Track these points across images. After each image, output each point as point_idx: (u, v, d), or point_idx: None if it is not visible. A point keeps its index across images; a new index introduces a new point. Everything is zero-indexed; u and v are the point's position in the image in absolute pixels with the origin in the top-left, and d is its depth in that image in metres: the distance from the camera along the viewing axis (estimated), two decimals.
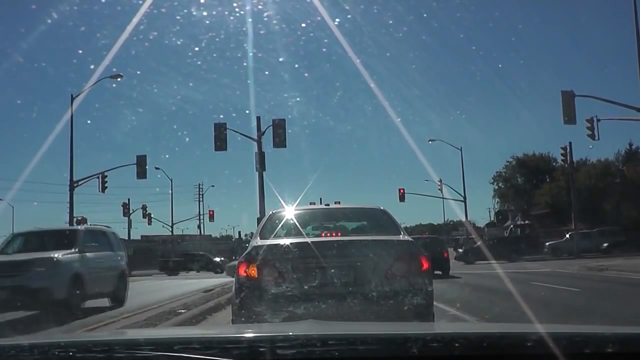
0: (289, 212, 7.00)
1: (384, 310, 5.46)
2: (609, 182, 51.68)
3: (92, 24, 62.22)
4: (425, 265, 5.82)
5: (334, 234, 6.52)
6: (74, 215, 36.63)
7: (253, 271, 5.66)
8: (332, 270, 5.64)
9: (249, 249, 6.06)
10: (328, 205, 8.28)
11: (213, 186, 74.40)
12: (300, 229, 6.44)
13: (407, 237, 6.33)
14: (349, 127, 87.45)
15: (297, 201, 9.33)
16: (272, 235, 6.26)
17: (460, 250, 50.60)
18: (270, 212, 7.24)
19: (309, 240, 5.99)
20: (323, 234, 6.56)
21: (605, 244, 37.65)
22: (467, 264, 34.45)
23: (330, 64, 69.98)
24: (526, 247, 40.28)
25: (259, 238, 6.26)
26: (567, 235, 41.19)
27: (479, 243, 38.39)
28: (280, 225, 6.56)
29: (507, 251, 36.52)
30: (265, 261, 5.67)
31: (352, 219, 7.32)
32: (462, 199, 49.24)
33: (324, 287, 5.59)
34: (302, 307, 5.45)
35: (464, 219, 51.91)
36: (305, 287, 5.58)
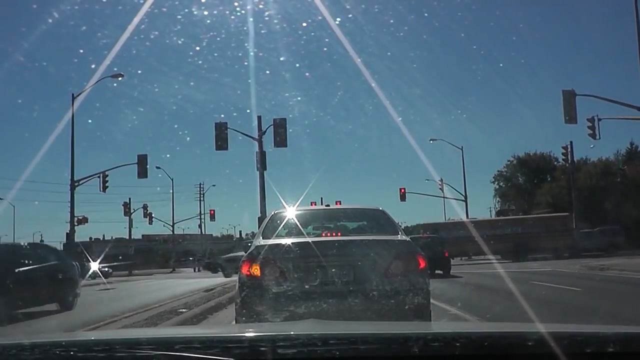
0: (291, 213, 7.12)
1: (382, 307, 5.58)
2: (610, 181, 51.67)
3: (93, 23, 62.16)
4: (422, 265, 5.95)
5: (334, 234, 6.64)
6: (75, 214, 36.66)
7: (256, 270, 5.78)
8: (332, 269, 5.76)
9: (251, 248, 6.16)
10: (328, 205, 8.40)
11: (214, 185, 74.69)
12: (302, 228, 6.54)
13: (404, 237, 6.44)
14: (350, 126, 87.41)
15: (299, 201, 9.44)
16: (274, 235, 6.36)
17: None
18: (272, 212, 7.34)
19: (310, 239, 6.09)
20: (324, 234, 6.67)
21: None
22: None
23: (331, 63, 69.98)
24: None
25: (261, 238, 6.38)
26: None
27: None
28: (282, 225, 6.65)
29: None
30: (267, 260, 5.79)
31: (351, 219, 7.44)
32: (463, 198, 49.24)
33: (324, 285, 5.71)
34: (304, 305, 5.55)
35: (465, 219, 51.88)
36: (307, 286, 5.69)
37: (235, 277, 7.22)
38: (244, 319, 5.77)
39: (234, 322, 6.41)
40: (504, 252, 36.05)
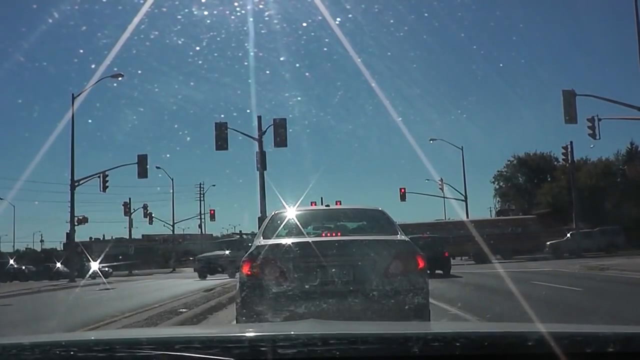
0: (291, 213, 7.19)
1: (381, 307, 5.64)
2: (610, 181, 51.63)
3: (93, 23, 62.24)
4: (421, 264, 6.02)
5: (334, 234, 6.69)
6: (75, 214, 36.68)
7: (256, 270, 5.86)
8: (332, 269, 5.81)
9: (252, 248, 6.24)
10: (328, 206, 8.61)
11: (214, 185, 74.64)
12: (302, 229, 6.59)
13: (404, 237, 6.49)
14: (350, 126, 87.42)
15: (299, 202, 9.54)
16: (275, 235, 6.42)
17: None
18: (273, 213, 7.40)
19: (310, 239, 6.15)
20: (323, 234, 6.71)
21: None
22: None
23: (331, 63, 69.88)
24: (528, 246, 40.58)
25: (262, 238, 6.44)
26: (568, 235, 41.18)
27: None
28: (282, 226, 6.71)
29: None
30: (268, 260, 5.86)
31: (351, 219, 7.51)
32: (463, 198, 49.23)
33: (324, 285, 5.77)
34: (304, 304, 5.61)
35: (465, 219, 51.88)
36: (307, 286, 5.75)
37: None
38: (244, 318, 5.83)
39: (235, 321, 6.45)
40: (471, 254, 36.41)
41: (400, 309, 5.67)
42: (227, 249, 30.02)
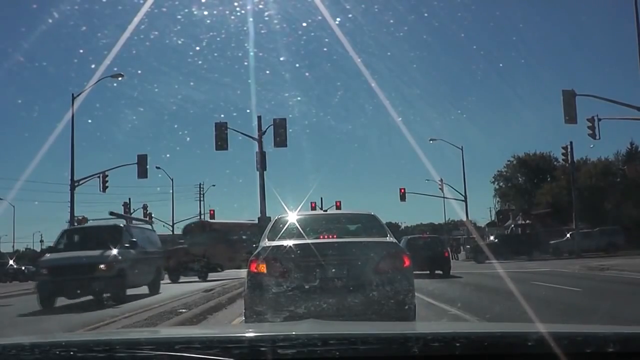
0: (292, 217, 7.95)
1: (372, 300, 6.37)
2: (610, 181, 51.62)
3: (93, 23, 62.10)
4: (407, 263, 6.82)
5: (330, 236, 7.38)
6: (75, 214, 36.64)
7: (262, 268, 6.58)
8: (329, 267, 6.55)
9: (258, 249, 6.97)
10: (326, 211, 9.70)
11: (214, 185, 74.26)
12: (302, 231, 7.25)
13: (392, 239, 7.30)
14: (350, 126, 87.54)
15: (300, 206, 10.40)
16: (278, 237, 7.10)
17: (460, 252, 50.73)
18: (277, 217, 8.14)
19: (309, 241, 6.87)
20: (321, 236, 7.37)
21: None
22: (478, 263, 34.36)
23: (331, 63, 70.02)
24: (532, 246, 40.44)
25: (266, 239, 7.15)
26: (568, 235, 41.16)
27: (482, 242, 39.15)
28: (284, 229, 7.39)
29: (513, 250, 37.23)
30: (272, 259, 6.59)
31: (346, 223, 8.36)
32: (463, 198, 49.22)
33: (322, 281, 6.48)
34: (304, 297, 6.33)
35: (464, 219, 51.90)
36: (306, 281, 6.47)
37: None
38: (252, 311, 6.52)
39: (243, 315, 7.09)
40: None
41: (388, 301, 6.39)
42: (112, 247, 15.67)
